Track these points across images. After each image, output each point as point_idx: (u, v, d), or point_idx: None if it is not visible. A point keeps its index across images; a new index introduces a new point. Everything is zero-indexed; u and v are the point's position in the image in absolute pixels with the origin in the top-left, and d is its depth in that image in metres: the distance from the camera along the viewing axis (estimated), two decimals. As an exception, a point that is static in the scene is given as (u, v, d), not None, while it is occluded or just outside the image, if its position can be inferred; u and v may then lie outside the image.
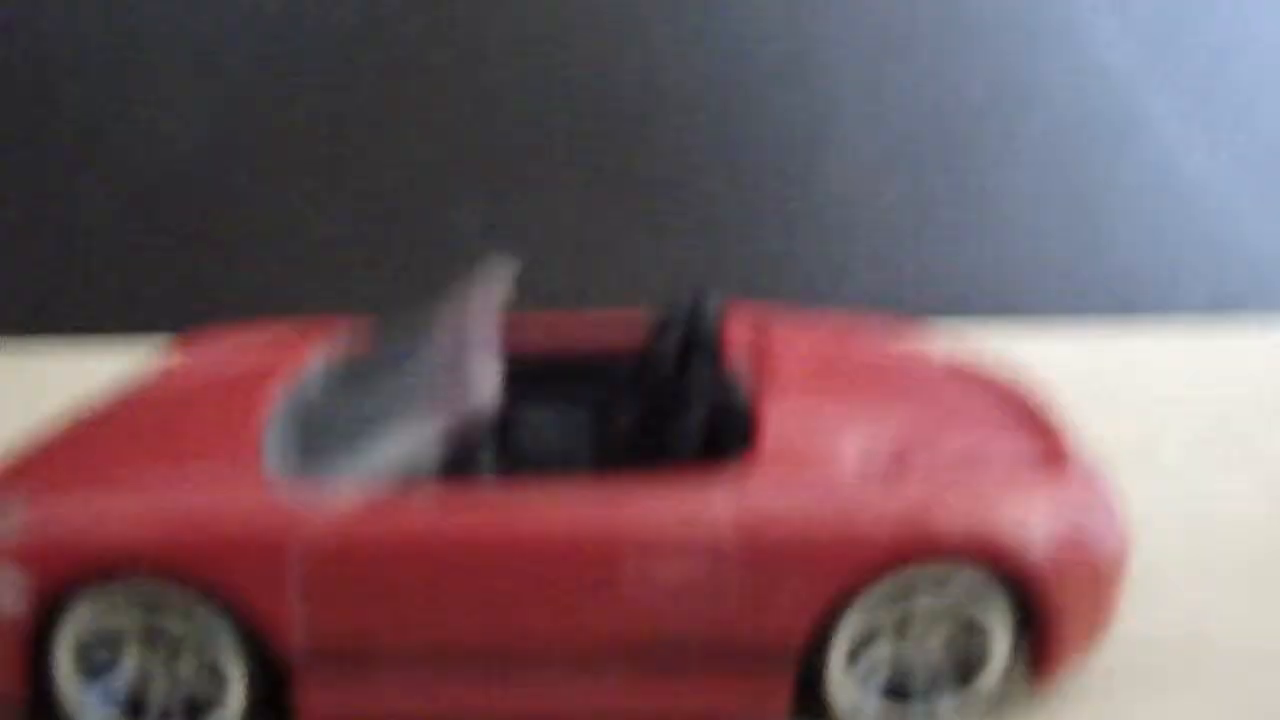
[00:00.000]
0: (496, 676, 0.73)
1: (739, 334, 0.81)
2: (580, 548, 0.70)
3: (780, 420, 0.74)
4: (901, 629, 0.80)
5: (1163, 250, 0.33)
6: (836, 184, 0.31)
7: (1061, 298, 0.32)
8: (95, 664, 0.78)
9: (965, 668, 0.80)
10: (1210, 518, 0.65)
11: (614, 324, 0.70)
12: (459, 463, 0.60)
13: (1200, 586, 0.57)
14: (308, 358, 0.84)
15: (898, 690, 0.82)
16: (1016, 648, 0.79)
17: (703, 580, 0.73)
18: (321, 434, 0.70)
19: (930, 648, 0.80)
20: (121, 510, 0.75)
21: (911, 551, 0.76)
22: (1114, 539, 0.78)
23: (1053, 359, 0.28)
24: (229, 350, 0.93)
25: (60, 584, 0.74)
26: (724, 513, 0.73)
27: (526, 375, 0.62)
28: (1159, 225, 0.33)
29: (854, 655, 0.80)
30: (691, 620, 0.74)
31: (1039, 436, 0.83)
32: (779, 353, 0.77)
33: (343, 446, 0.64)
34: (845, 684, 0.80)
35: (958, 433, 0.83)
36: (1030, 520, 0.77)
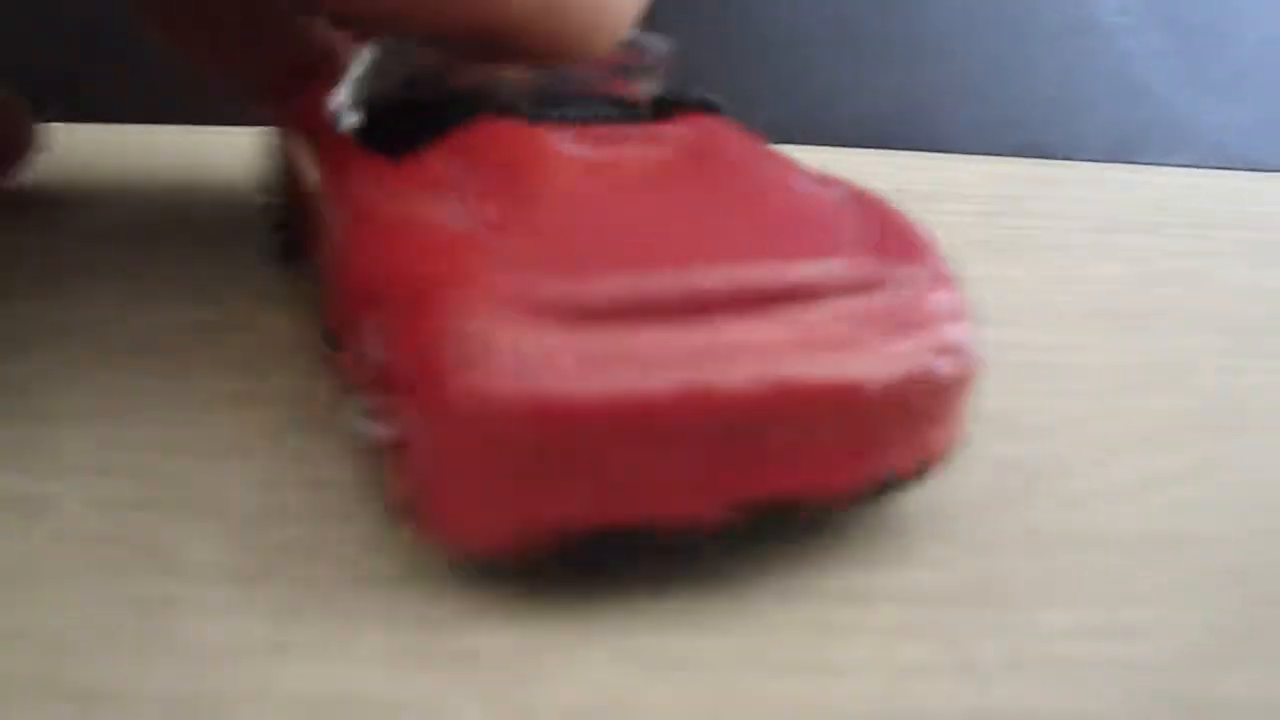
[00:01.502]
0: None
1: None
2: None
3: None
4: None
5: (1072, 91, 0.34)
6: (757, 22, 0.31)
7: (969, 134, 0.33)
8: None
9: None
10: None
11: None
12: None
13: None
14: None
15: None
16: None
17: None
18: None
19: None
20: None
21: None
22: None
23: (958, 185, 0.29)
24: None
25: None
26: None
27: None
28: (1071, 66, 0.33)
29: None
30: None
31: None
32: None
33: None
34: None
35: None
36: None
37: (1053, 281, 0.26)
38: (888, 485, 0.14)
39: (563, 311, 0.13)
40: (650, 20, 0.18)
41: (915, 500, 0.16)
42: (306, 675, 0.13)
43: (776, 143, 0.18)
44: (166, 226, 0.26)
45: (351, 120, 0.18)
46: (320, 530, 0.15)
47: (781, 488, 0.13)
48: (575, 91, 0.19)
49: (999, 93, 0.39)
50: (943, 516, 0.16)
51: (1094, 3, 0.38)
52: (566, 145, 0.16)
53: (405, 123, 0.17)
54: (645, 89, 0.19)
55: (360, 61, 0.19)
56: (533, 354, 0.12)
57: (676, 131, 0.17)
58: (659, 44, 0.20)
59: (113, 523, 0.15)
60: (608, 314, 0.13)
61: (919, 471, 0.15)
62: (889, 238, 0.15)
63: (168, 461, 0.16)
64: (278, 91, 0.22)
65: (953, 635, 0.14)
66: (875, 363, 0.13)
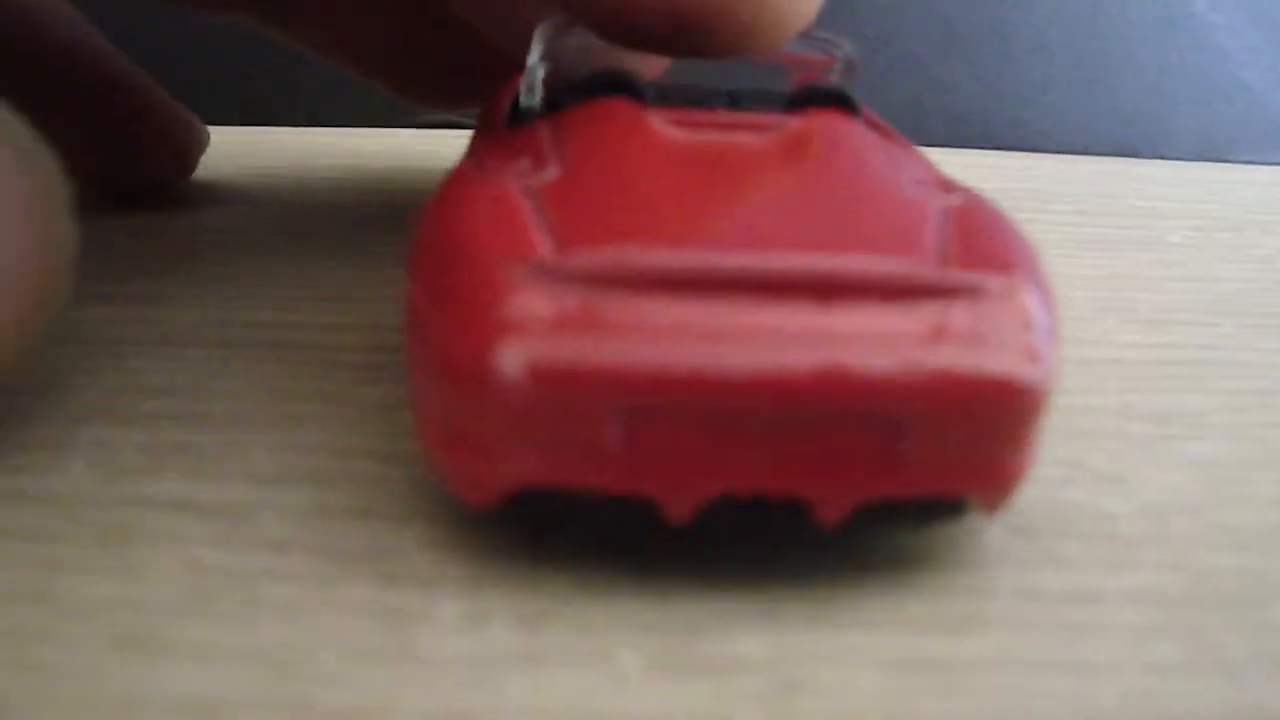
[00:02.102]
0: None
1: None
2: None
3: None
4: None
5: (1165, 88, 0.33)
6: (858, 23, 0.31)
7: (1063, 135, 0.33)
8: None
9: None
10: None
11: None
12: None
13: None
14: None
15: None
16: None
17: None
18: None
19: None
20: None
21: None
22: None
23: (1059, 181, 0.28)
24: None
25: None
26: None
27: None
28: (1165, 66, 0.33)
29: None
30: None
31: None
32: None
33: None
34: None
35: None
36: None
37: (1174, 279, 0.26)
38: (952, 506, 0.13)
39: (590, 278, 0.12)
40: None
41: (1115, 501, 0.16)
42: (558, 689, 0.12)
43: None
44: (320, 230, 0.26)
45: (531, 102, 0.18)
46: (535, 534, 0.15)
47: (785, 488, 0.13)
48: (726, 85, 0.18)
49: (1091, 89, 0.38)
50: (1152, 517, 0.16)
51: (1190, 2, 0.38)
52: (665, 126, 0.16)
53: (552, 100, 0.17)
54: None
55: (535, 51, 0.18)
56: (552, 322, 0.12)
57: (794, 124, 0.16)
58: (844, 44, 0.19)
59: (314, 530, 0.15)
60: (641, 284, 0.12)
61: (989, 492, 0.13)
62: (978, 245, 0.14)
63: (343, 464, 0.16)
64: (456, 93, 0.22)
65: (1198, 634, 0.14)
66: (917, 364, 0.12)
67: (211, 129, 0.28)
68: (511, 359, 0.12)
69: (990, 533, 0.15)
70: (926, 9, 0.37)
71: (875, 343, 0.12)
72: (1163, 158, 0.38)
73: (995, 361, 0.13)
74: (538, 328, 0.12)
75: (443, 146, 0.30)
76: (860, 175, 0.15)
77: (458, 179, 0.16)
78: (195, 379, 0.18)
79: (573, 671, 0.12)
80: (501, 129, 0.18)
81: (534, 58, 0.18)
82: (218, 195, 0.28)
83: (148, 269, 0.23)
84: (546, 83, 0.18)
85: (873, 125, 0.18)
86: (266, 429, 0.17)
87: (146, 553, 0.14)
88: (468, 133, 0.20)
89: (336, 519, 0.15)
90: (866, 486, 0.13)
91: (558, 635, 0.13)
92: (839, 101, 0.17)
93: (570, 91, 0.17)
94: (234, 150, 0.31)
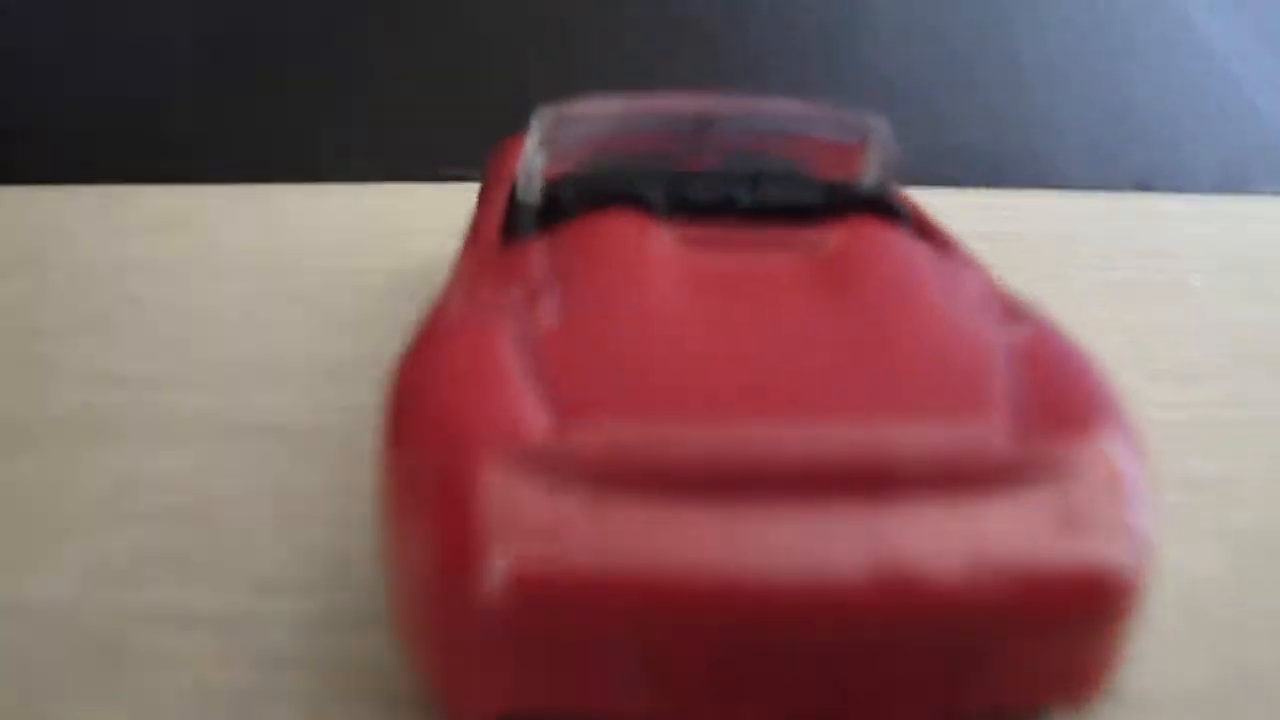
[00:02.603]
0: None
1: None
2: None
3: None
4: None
5: (1180, 119, 0.33)
6: (869, 58, 0.30)
7: (1076, 168, 0.32)
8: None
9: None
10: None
11: None
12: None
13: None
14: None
15: None
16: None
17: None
18: None
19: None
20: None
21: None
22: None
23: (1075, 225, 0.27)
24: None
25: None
26: None
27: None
28: (1178, 94, 0.32)
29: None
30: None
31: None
32: None
33: None
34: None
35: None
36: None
37: (1196, 326, 0.25)
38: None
39: (594, 471, 0.10)
40: (760, 64, 0.17)
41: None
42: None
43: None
44: (332, 302, 0.25)
45: (529, 196, 0.16)
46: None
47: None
48: (748, 176, 0.16)
49: (1104, 121, 0.38)
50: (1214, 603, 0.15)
51: (1200, 27, 0.37)
52: (679, 249, 0.14)
53: (554, 205, 0.15)
54: (864, 177, 0.17)
55: (534, 130, 0.17)
56: (548, 529, 0.10)
57: (823, 237, 0.14)
58: (876, 123, 0.17)
59: (317, 643, 0.14)
60: (652, 480, 0.10)
61: (1075, 698, 0.11)
62: (1055, 393, 0.12)
63: (347, 570, 0.16)
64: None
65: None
66: (1011, 570, 0.10)
67: (214, 188, 0.27)
68: (500, 572, 0.10)
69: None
70: (937, 43, 0.37)
71: (943, 542, 0.10)
72: (1179, 189, 0.37)
73: (1089, 554, 0.10)
74: (531, 534, 0.10)
75: (461, 202, 0.29)
76: (912, 307, 0.13)
77: (441, 317, 0.13)
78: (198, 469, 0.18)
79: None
80: (494, 242, 0.16)
81: (532, 145, 0.16)
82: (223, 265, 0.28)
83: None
84: (545, 174, 0.16)
85: (919, 228, 0.16)
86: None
87: (143, 673, 0.14)
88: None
89: (343, 631, 0.14)
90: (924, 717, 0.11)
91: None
92: (878, 207, 0.15)
93: (571, 193, 0.15)
94: (239, 212, 0.31)
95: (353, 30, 0.33)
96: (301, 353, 0.22)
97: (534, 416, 0.11)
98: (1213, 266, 0.30)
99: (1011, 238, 0.15)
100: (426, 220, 0.31)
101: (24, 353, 0.21)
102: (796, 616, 0.10)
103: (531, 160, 0.16)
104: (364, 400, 0.20)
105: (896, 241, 0.14)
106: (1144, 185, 0.37)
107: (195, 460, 0.18)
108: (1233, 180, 0.38)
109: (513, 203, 0.17)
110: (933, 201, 0.17)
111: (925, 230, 0.16)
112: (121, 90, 0.25)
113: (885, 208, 0.15)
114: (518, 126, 0.22)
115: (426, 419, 0.11)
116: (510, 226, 0.16)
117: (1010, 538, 0.10)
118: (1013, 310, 0.14)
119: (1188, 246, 0.31)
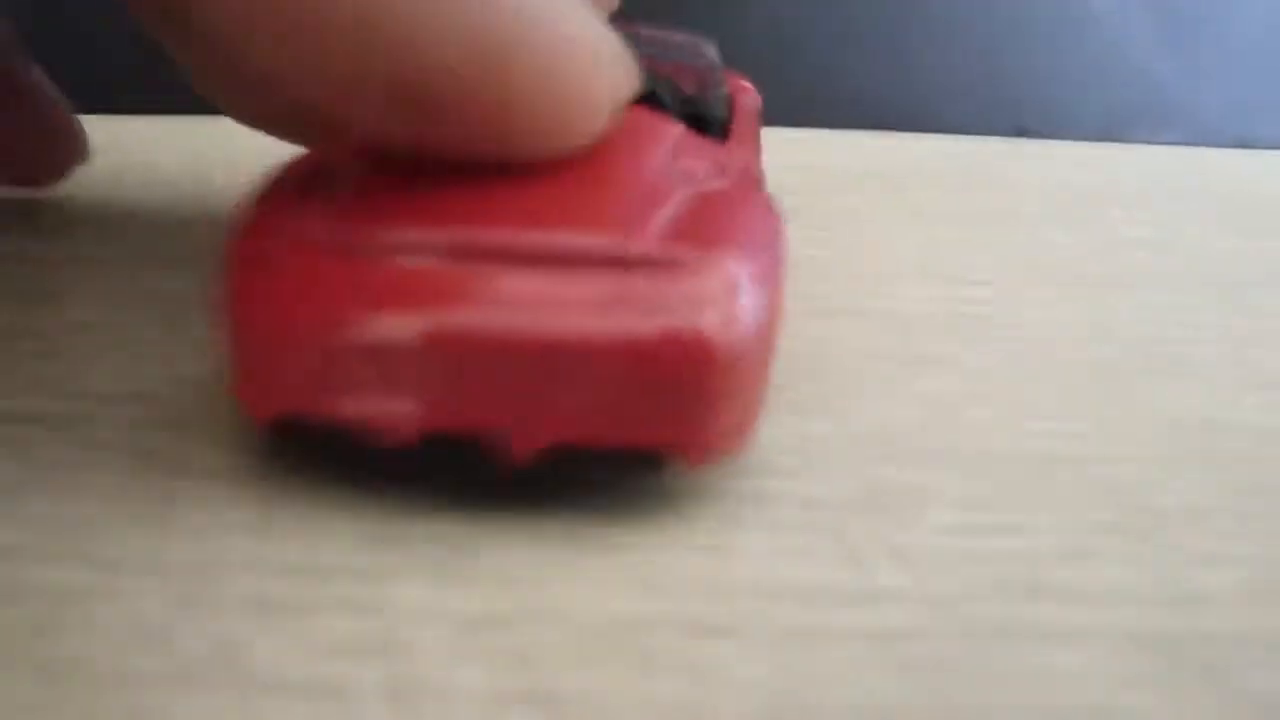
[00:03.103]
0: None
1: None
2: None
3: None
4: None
5: (1063, 74, 0.35)
6: (765, 5, 0.32)
7: (962, 118, 0.34)
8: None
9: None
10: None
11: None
12: None
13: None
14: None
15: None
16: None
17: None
18: None
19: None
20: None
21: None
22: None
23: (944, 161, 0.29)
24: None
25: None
26: None
27: None
28: (1058, 50, 0.34)
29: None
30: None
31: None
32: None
33: None
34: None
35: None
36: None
37: (1015, 247, 0.28)
38: (647, 459, 0.15)
39: (341, 248, 0.15)
40: (651, 16, 0.20)
41: (858, 421, 0.19)
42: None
43: (774, 123, 0.19)
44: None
45: None
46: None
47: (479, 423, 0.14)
48: None
49: (992, 76, 0.40)
50: (881, 438, 0.18)
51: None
52: None
53: None
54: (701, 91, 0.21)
55: None
56: (301, 275, 0.14)
57: None
58: (710, 49, 0.21)
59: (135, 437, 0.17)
60: (375, 252, 0.14)
61: (685, 448, 0.15)
62: (702, 227, 0.15)
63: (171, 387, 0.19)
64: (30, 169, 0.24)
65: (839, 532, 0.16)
66: (599, 325, 0.14)
67: (148, 119, 0.29)
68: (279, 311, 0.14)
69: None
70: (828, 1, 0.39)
71: (560, 305, 0.14)
72: (1060, 138, 0.40)
73: (672, 324, 0.14)
74: (303, 274, 0.15)
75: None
76: (619, 164, 0.16)
77: (291, 170, 0.17)
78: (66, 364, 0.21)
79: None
80: None
81: None
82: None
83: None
84: None
85: (743, 114, 0.20)
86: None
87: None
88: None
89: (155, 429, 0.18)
90: (560, 430, 0.14)
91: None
92: (648, 100, 0.19)
93: None
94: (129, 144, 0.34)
95: None
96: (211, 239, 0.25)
97: (298, 215, 0.15)
98: (1060, 201, 0.32)
99: (866, 173, 0.17)
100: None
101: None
102: (458, 344, 0.14)
103: None
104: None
105: (645, 121, 0.18)
106: (1022, 131, 0.39)
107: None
108: (1113, 132, 0.40)
109: None
110: (809, 139, 0.19)
111: (726, 131, 0.20)
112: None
113: (653, 100, 0.19)
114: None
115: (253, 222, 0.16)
116: None
117: (608, 306, 0.14)
118: (726, 167, 0.17)
119: (1028, 181, 0.34)
